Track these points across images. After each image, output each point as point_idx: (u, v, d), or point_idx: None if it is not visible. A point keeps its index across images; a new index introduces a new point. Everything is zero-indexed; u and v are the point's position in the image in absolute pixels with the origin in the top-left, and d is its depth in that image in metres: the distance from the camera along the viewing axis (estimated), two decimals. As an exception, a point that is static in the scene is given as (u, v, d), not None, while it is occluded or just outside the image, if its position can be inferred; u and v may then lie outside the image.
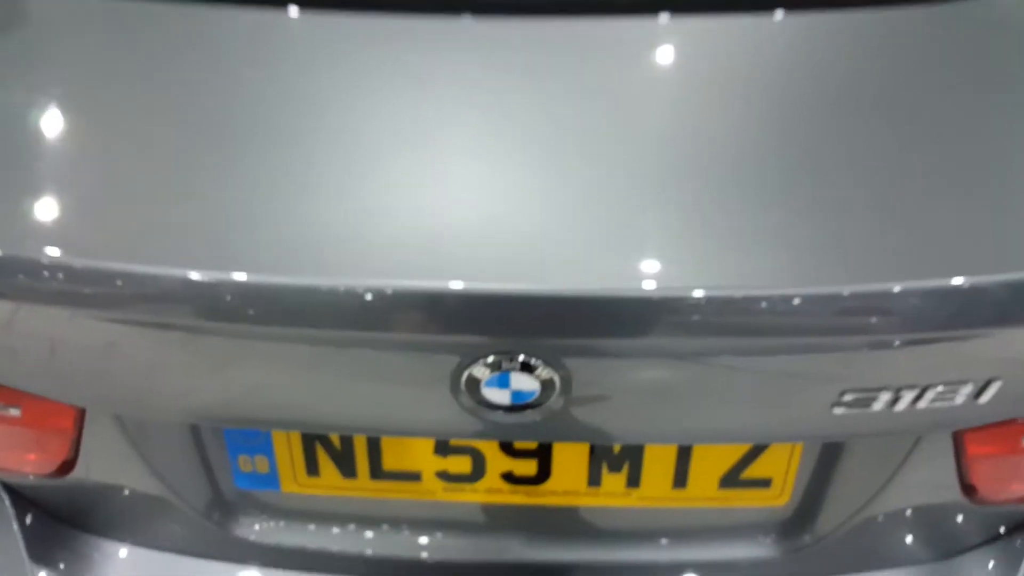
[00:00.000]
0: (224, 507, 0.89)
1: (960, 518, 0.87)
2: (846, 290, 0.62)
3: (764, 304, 0.62)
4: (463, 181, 0.70)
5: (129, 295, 0.65)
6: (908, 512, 0.85)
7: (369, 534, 0.90)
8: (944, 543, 0.90)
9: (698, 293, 0.62)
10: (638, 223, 0.67)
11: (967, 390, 0.70)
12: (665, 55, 0.84)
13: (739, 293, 0.62)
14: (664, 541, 0.89)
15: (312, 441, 0.82)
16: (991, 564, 0.89)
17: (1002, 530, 0.90)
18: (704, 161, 0.72)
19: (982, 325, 0.65)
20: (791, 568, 0.88)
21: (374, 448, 0.81)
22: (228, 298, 0.63)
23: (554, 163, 0.71)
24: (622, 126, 0.75)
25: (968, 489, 0.82)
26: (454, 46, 0.83)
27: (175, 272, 0.63)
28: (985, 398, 0.70)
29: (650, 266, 0.65)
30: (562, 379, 0.68)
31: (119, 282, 0.64)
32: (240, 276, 0.62)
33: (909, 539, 0.88)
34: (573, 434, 0.73)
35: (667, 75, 0.82)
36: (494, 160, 0.72)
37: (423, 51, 0.82)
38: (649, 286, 0.62)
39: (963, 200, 0.70)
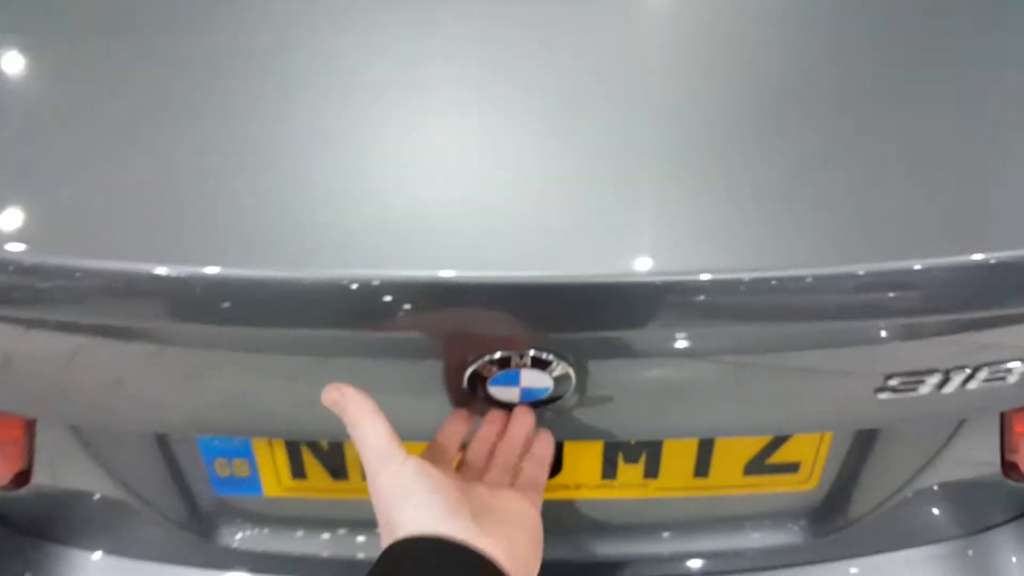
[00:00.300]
0: (202, 515, 0.81)
1: (994, 495, 0.83)
2: (893, 268, 0.54)
3: (803, 285, 0.54)
4: (460, 155, 0.59)
5: (83, 294, 0.54)
6: (943, 491, 0.80)
7: (362, 538, 0.82)
8: (974, 519, 0.85)
9: (735, 275, 0.53)
10: (660, 201, 0.57)
11: (1022, 369, 0.63)
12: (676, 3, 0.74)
13: (776, 274, 0.53)
14: (685, 531, 0.83)
15: (297, 442, 0.74)
16: (1020, 538, 0.85)
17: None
18: (728, 132, 0.62)
19: None
20: (823, 553, 0.83)
21: (366, 448, 0.73)
22: (198, 295, 0.53)
23: (562, 132, 0.61)
24: (637, 86, 0.65)
25: (1009, 467, 0.77)
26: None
27: (136, 267, 0.52)
28: (1040, 376, 0.64)
29: (677, 249, 0.55)
30: (578, 375, 0.60)
31: (75, 277, 0.53)
32: (212, 270, 0.52)
33: (940, 517, 0.84)
34: (589, 432, 0.66)
35: (681, 25, 0.72)
36: (493, 132, 0.61)
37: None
38: (678, 270, 0.53)
39: (1012, 170, 0.61)
